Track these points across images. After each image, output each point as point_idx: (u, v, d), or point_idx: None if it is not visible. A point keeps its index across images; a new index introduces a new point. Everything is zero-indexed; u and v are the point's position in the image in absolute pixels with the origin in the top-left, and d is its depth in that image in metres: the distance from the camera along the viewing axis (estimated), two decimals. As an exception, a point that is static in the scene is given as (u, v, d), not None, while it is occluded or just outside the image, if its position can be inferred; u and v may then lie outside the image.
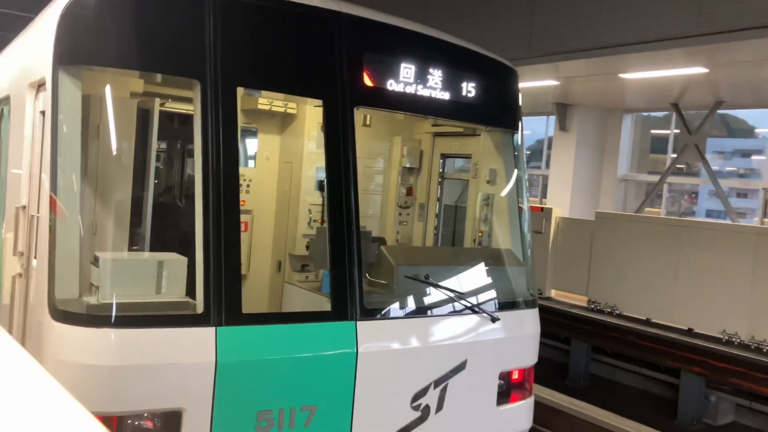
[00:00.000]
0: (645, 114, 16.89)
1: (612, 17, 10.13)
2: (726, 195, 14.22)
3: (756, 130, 17.07)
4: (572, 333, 10.96)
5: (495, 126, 5.76)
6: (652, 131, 17.20)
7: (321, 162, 6.70)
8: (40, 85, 4.67)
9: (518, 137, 5.78)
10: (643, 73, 11.78)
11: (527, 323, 5.43)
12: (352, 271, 4.46)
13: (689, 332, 9.72)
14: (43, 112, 4.65)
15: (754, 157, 18.39)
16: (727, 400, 9.42)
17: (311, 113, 6.56)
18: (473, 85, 5.30)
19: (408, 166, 6.99)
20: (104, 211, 4.79)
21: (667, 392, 10.13)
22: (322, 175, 6.64)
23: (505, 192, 5.88)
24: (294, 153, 6.67)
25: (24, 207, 4.73)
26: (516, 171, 5.76)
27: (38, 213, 4.24)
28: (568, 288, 11.87)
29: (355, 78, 4.72)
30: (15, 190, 5.05)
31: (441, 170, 7.04)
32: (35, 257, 4.18)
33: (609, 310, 10.80)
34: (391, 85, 4.89)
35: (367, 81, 4.79)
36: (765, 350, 8.80)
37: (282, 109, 6.55)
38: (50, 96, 4.01)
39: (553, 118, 17.15)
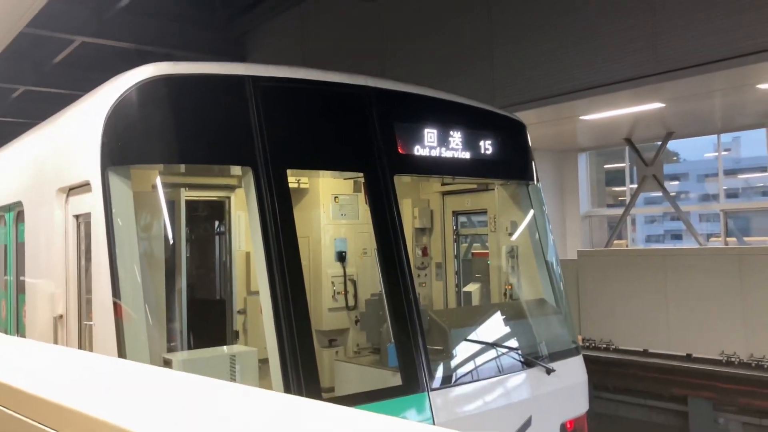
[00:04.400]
0: (599, 150, 17.60)
1: (574, 64, 10.63)
2: (668, 218, 14.82)
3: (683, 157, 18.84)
4: (573, 373, 11.01)
5: (516, 179, 5.88)
6: (606, 166, 17.91)
7: (338, 233, 6.67)
8: (71, 189, 4.51)
9: (536, 187, 5.92)
10: (601, 114, 12.34)
11: (576, 371, 5.44)
12: (417, 342, 4.39)
13: (689, 358, 9.93)
14: (77, 216, 4.47)
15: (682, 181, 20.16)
16: (736, 421, 9.60)
17: (324, 185, 6.54)
18: (493, 142, 5.45)
19: (420, 227, 7.02)
20: (154, 309, 4.58)
21: (672, 420, 10.23)
22: (341, 246, 6.60)
23: (530, 242, 5.97)
24: (310, 226, 6.59)
25: (61, 316, 4.48)
26: (539, 220, 5.87)
27: (91, 321, 4.02)
28: (559, 328, 11.99)
29: (390, 147, 4.77)
30: (42, 299, 4.78)
31: (455, 227, 7.08)
32: None
33: (605, 345, 10.94)
34: (423, 151, 4.97)
35: (401, 149, 4.85)
36: (766, 366, 9.07)
37: (295, 185, 6.50)
38: (100, 198, 3.87)
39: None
